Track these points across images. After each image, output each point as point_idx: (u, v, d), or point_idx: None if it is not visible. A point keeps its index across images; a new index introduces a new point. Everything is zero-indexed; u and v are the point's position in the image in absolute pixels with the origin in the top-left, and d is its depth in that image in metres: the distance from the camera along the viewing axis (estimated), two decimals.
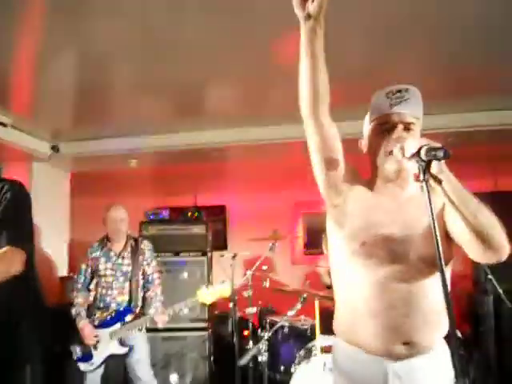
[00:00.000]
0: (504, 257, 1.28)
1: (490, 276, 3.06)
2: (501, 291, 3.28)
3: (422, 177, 1.17)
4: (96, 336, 2.99)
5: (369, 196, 1.46)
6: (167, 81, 2.98)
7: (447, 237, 1.38)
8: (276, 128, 3.71)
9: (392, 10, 2.19)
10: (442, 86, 3.04)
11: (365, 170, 1.53)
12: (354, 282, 1.42)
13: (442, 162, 1.18)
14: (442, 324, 1.36)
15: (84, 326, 2.99)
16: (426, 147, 1.16)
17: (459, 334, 3.06)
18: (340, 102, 3.27)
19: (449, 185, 1.21)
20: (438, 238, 1.12)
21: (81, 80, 2.99)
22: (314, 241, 5.40)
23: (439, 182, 1.21)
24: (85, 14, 2.19)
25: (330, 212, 1.50)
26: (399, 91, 1.38)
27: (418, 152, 1.17)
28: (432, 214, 1.13)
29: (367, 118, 1.51)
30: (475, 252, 1.29)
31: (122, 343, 3.02)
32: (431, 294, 1.36)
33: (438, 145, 1.17)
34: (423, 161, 1.17)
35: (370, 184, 1.49)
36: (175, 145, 4.07)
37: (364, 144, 1.53)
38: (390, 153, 1.36)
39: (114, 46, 2.52)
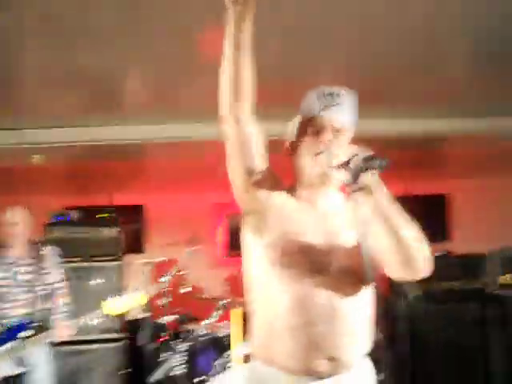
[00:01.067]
0: (420, 277, 1.25)
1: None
2: (414, 294, 3.40)
3: (350, 188, 1.11)
4: None
5: (290, 203, 1.38)
6: (77, 70, 2.71)
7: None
8: (196, 125, 3.54)
9: (315, 10, 2.12)
10: (363, 89, 3.05)
11: (285, 173, 1.43)
12: (271, 296, 1.32)
13: (375, 172, 1.11)
14: (364, 339, 1.33)
15: None
16: (358, 157, 1.10)
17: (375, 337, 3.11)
18: (259, 101, 3.25)
19: (379, 197, 1.16)
20: (367, 250, 1.07)
21: None
22: (236, 242, 5.28)
23: (369, 193, 1.14)
24: None
25: (246, 219, 1.39)
26: (331, 94, 1.31)
27: (348, 162, 1.11)
28: (360, 226, 1.08)
29: (295, 118, 1.43)
30: (392, 269, 1.25)
31: (18, 362, 2.67)
32: (354, 307, 1.30)
33: (369, 153, 1.10)
34: (353, 171, 1.10)
35: (292, 190, 1.41)
36: (86, 140, 3.74)
37: (289, 145, 1.44)
38: (316, 155, 1.30)
39: (17, 32, 2.23)
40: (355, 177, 1.10)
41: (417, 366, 3.49)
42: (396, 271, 1.25)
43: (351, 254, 1.29)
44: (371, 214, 1.17)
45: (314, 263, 1.29)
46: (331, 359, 1.27)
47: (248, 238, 1.41)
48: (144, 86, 3.06)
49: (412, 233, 1.21)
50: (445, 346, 3.40)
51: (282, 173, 1.42)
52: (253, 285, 1.41)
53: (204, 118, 3.43)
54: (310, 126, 1.34)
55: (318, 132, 1.32)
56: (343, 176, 1.14)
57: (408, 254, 1.19)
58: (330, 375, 1.27)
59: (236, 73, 1.21)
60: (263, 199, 1.34)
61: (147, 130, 3.66)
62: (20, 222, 2.86)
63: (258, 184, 1.32)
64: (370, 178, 1.12)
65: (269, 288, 1.33)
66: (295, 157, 1.40)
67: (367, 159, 1.08)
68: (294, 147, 1.41)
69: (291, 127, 1.44)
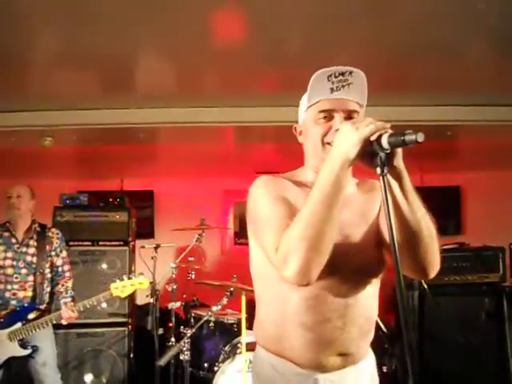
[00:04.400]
0: (431, 276, 1.19)
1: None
2: (425, 286, 3.33)
3: (380, 170, 0.99)
4: None
5: (302, 196, 1.26)
6: (91, 52, 2.66)
7: (379, 245, 1.26)
8: (208, 110, 3.48)
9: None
10: (380, 76, 2.96)
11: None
12: (282, 291, 1.24)
13: (400, 153, 1.03)
14: (373, 332, 1.31)
15: None
16: (389, 132, 0.99)
17: (383, 328, 3.06)
18: (277, 88, 3.18)
19: (406, 182, 1.08)
20: (396, 243, 0.95)
21: None
22: (245, 230, 5.25)
23: (399, 177, 1.06)
24: None
25: None
26: (342, 74, 1.18)
27: (378, 138, 0.99)
28: (389, 213, 0.96)
29: (304, 100, 1.31)
30: (405, 266, 1.16)
31: (23, 345, 2.67)
32: (367, 304, 1.27)
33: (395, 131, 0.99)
34: (384, 149, 0.99)
35: (302, 179, 1.32)
36: (97, 123, 3.71)
37: (299, 131, 1.36)
38: (329, 144, 1.21)
39: (29, 9, 2.17)
40: (388, 156, 1.00)
41: (426, 359, 3.44)
42: (409, 266, 1.15)
43: (364, 247, 1.24)
44: (397, 200, 1.08)
45: (329, 263, 1.18)
46: (342, 354, 1.24)
47: None
48: (156, 69, 3.01)
49: (431, 225, 1.14)
50: (457, 340, 3.34)
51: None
52: (261, 277, 1.34)
53: (217, 103, 3.40)
54: (320, 110, 1.24)
55: (328, 115, 1.23)
56: (368, 157, 1.02)
57: (425, 247, 1.13)
58: (338, 369, 1.25)
59: (321, 233, 1.05)
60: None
61: (159, 114, 3.62)
62: (23, 196, 2.84)
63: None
64: (400, 158, 1.03)
65: (278, 283, 1.22)
66: (304, 142, 1.33)
67: (402, 134, 0.96)
68: (303, 130, 1.33)
69: (301, 107, 1.35)
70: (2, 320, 2.68)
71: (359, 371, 1.29)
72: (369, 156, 1.02)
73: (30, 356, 2.71)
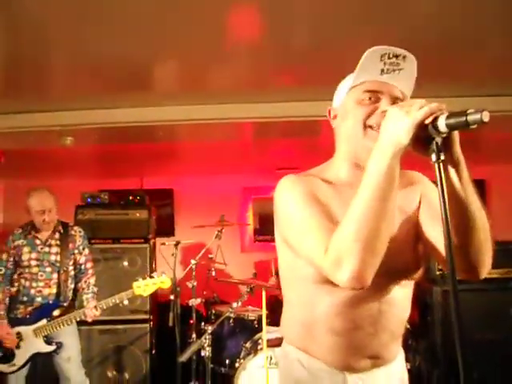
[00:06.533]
0: (483, 276, 1.10)
1: (438, 272, 3.02)
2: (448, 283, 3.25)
3: (436, 157, 0.88)
4: (18, 334, 2.68)
5: (334, 195, 1.17)
6: (109, 52, 2.67)
7: (417, 242, 1.19)
8: (225, 107, 3.47)
9: None
10: None
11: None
12: (314, 297, 1.19)
13: (458, 137, 0.94)
14: (402, 332, 1.25)
15: None
16: (445, 113, 0.88)
17: (407, 325, 3.02)
18: (295, 83, 3.15)
19: (464, 170, 0.97)
20: (451, 243, 0.86)
21: (12, 49, 2.62)
22: (266, 227, 5.24)
23: (457, 164, 0.96)
24: None
25: None
26: (396, 56, 1.07)
27: (434, 121, 0.89)
28: (445, 205, 0.86)
29: (345, 82, 1.22)
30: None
31: (48, 341, 2.72)
32: (401, 308, 1.21)
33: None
34: (441, 133, 0.89)
35: (331, 175, 1.22)
36: (116, 121, 3.73)
37: (334, 114, 1.24)
38: (371, 127, 1.11)
39: (48, 13, 2.19)
40: (446, 141, 0.91)
41: (452, 355, 3.37)
42: (459, 265, 0.97)
43: (403, 247, 1.15)
44: (453, 190, 0.98)
45: None
46: (372, 357, 1.20)
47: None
48: (174, 67, 3.01)
49: (487, 221, 1.05)
50: (483, 336, 3.26)
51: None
52: (289, 278, 1.29)
53: (235, 100, 3.39)
54: (365, 91, 1.13)
55: (374, 97, 1.13)
56: (421, 143, 0.92)
57: (479, 244, 1.03)
58: (369, 370, 1.21)
59: (376, 231, 0.96)
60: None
61: (178, 112, 3.62)
62: (49, 209, 2.84)
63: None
64: (458, 142, 0.94)
65: (307, 285, 1.19)
66: (340, 125, 1.21)
67: (463, 114, 0.85)
68: (340, 113, 1.21)
69: (340, 88, 1.24)
70: (28, 316, 2.73)
71: (389, 372, 1.24)
72: (422, 142, 0.92)
73: (54, 352, 2.75)
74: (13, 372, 2.68)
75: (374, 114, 1.12)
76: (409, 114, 0.92)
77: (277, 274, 3.49)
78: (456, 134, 0.94)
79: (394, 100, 1.11)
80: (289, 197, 1.17)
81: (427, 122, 0.91)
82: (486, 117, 0.82)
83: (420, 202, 1.20)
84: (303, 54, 2.63)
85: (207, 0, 2.11)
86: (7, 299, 2.78)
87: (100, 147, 4.53)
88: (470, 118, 0.83)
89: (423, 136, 0.91)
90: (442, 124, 0.88)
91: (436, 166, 0.88)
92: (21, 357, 2.69)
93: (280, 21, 2.32)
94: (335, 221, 1.05)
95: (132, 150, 4.59)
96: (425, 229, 1.17)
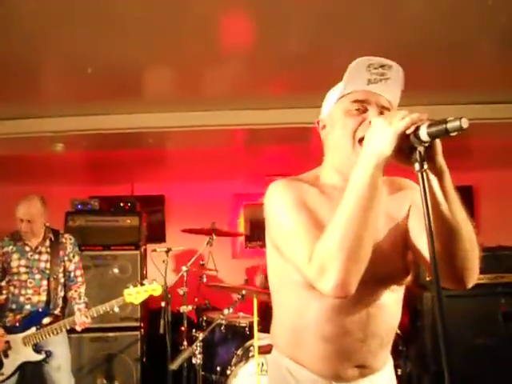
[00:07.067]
0: (470, 286, 1.10)
1: (427, 278, 3.04)
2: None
3: (419, 166, 0.90)
4: (7, 342, 2.64)
5: (322, 201, 1.18)
6: (100, 58, 2.67)
7: (405, 250, 1.20)
8: (216, 113, 3.48)
9: None
10: None
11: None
12: (303, 303, 1.19)
13: (440, 147, 0.96)
14: (392, 339, 1.25)
15: None
16: (426, 123, 0.90)
17: (398, 330, 3.03)
18: (286, 90, 3.18)
19: (447, 179, 0.99)
20: (435, 250, 0.86)
21: (3, 54, 2.61)
22: (257, 233, 5.25)
23: (440, 173, 0.96)
24: None
25: None
26: (382, 66, 1.09)
27: (416, 130, 0.91)
28: (428, 214, 0.87)
29: (333, 92, 1.23)
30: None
31: (37, 349, 2.69)
32: (390, 314, 1.20)
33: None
34: (423, 142, 0.90)
35: (320, 181, 1.23)
36: (107, 128, 3.73)
37: (322, 125, 1.26)
38: (360, 141, 1.10)
39: (41, 19, 2.20)
40: (428, 150, 0.92)
41: (441, 361, 3.39)
42: (444, 274, 0.98)
43: (391, 253, 1.16)
44: (437, 199, 0.99)
45: None
46: (360, 366, 1.19)
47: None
48: (165, 74, 3.02)
49: (472, 230, 1.05)
50: (472, 341, 3.29)
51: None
52: (279, 284, 1.29)
53: (225, 106, 3.40)
54: (353, 101, 1.15)
55: (362, 107, 1.14)
56: (404, 152, 0.94)
57: (465, 253, 1.03)
58: (356, 380, 1.20)
59: (359, 240, 0.97)
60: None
61: (168, 118, 3.63)
62: (37, 216, 2.81)
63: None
64: (440, 151, 0.95)
65: (297, 291, 1.19)
66: (329, 135, 1.23)
67: (442, 122, 0.87)
68: (329, 123, 1.22)
69: (328, 98, 1.25)
70: (17, 324, 2.70)
71: (376, 382, 1.24)
72: (405, 152, 0.94)
73: (44, 361, 2.72)
74: (1, 382, 2.64)
75: (362, 124, 1.13)
76: (391, 125, 0.94)
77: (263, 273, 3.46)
78: (438, 143, 0.95)
79: (382, 109, 1.13)
80: (278, 202, 1.18)
81: (409, 132, 0.92)
82: (465, 123, 0.84)
83: (409, 209, 1.21)
84: (294, 61, 2.65)
85: (199, 7, 2.13)
86: None
87: (91, 153, 4.52)
88: (450, 125, 0.85)
89: (406, 146, 0.93)
90: (423, 133, 0.90)
91: (419, 175, 0.90)
92: (9, 366, 2.65)
93: (271, 28, 2.34)
94: (322, 227, 1.06)
95: (123, 157, 4.59)
96: (412, 236, 1.18)
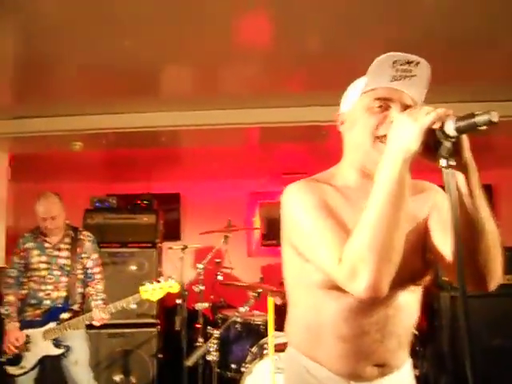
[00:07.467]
0: (492, 288, 1.08)
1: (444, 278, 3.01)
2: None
3: (445, 162, 0.88)
4: (27, 336, 2.70)
5: (343, 201, 1.16)
6: (117, 58, 2.71)
7: (425, 251, 1.18)
8: (234, 112, 3.49)
9: None
10: None
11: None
12: (320, 303, 1.18)
13: (467, 142, 0.93)
14: (410, 338, 1.23)
15: (10, 330, 2.69)
16: (454, 117, 0.87)
17: (415, 330, 3.01)
18: (302, 88, 3.17)
19: (474, 175, 0.96)
20: (460, 250, 0.85)
21: (22, 54, 2.67)
22: (272, 232, 5.24)
23: (467, 169, 0.94)
24: None
25: None
26: (409, 63, 1.04)
27: (442, 125, 0.89)
28: (454, 209, 0.85)
29: (354, 87, 1.20)
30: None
31: (57, 344, 2.74)
32: (408, 315, 1.19)
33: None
34: (450, 137, 0.88)
35: (339, 181, 1.21)
36: (125, 127, 3.77)
37: (342, 120, 1.23)
38: (381, 139, 1.09)
39: (60, 19, 2.24)
40: (455, 145, 0.89)
41: (459, 361, 3.34)
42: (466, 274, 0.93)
43: (412, 255, 1.13)
44: (464, 197, 0.97)
45: None
46: (379, 365, 1.18)
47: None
48: (183, 73, 3.04)
49: (496, 230, 1.03)
50: (490, 342, 3.24)
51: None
52: (295, 284, 1.28)
53: (241, 104, 3.41)
54: (376, 97, 1.12)
55: (384, 105, 1.11)
56: (429, 148, 0.91)
57: (487, 253, 1.01)
58: (374, 379, 1.19)
59: (391, 239, 0.95)
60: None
61: (185, 117, 3.65)
62: (57, 215, 2.85)
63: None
64: (468, 147, 0.93)
65: (314, 291, 1.18)
66: (348, 132, 1.20)
67: (471, 116, 0.84)
68: (349, 119, 1.20)
69: (349, 93, 1.22)
70: (37, 319, 2.76)
71: (396, 381, 1.22)
72: (430, 148, 0.92)
73: (62, 355, 2.77)
74: (22, 374, 2.70)
75: (384, 123, 1.10)
76: (417, 120, 0.92)
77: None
78: (465, 139, 0.93)
79: (405, 108, 1.09)
80: (298, 204, 1.15)
81: (435, 127, 0.91)
82: (494, 117, 0.81)
83: (430, 210, 1.20)
84: (311, 60, 2.64)
85: (217, 6, 2.14)
86: (19, 302, 2.80)
87: (108, 152, 4.58)
88: (479, 119, 0.83)
89: (432, 142, 0.92)
90: (450, 128, 0.88)
91: (445, 171, 0.88)
92: (30, 359, 2.71)
93: (289, 26, 2.34)
94: (346, 229, 1.04)
95: (140, 155, 4.64)
96: (433, 237, 1.17)
